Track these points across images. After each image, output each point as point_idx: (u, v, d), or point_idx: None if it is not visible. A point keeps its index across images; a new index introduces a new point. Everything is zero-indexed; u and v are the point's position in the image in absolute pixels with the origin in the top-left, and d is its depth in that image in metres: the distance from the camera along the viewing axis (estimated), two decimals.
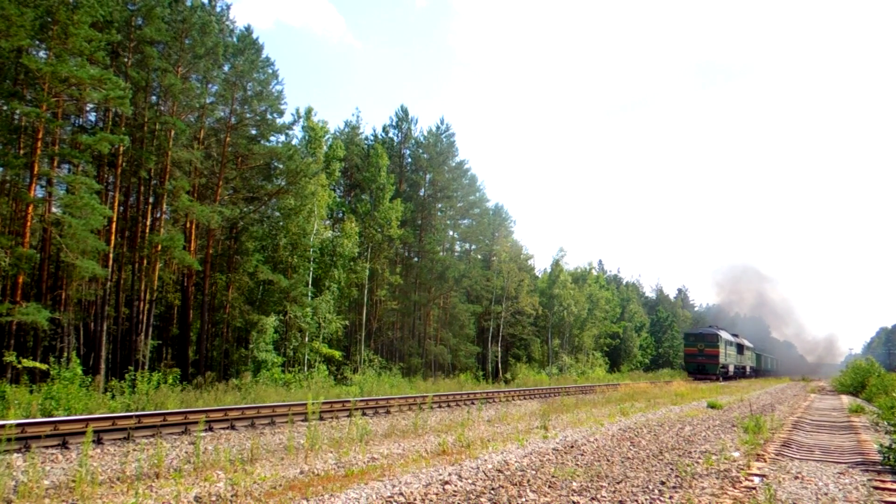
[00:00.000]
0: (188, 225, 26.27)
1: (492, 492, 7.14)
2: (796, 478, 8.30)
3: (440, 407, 20.73)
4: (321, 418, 15.54)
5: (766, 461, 9.55)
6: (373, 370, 31.51)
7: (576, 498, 6.89)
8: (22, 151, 20.16)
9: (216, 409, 14.77)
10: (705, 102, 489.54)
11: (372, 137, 43.68)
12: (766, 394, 31.05)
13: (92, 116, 24.94)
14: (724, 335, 56.16)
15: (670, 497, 6.97)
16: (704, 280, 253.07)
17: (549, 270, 56.89)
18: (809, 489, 7.59)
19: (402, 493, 7.05)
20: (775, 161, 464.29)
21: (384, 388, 26.89)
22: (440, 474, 8.18)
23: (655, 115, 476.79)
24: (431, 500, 6.77)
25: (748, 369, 66.64)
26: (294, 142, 31.18)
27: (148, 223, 24.54)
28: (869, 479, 8.23)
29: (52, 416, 13.36)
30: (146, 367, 22.14)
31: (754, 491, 7.25)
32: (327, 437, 12.56)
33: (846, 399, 28.33)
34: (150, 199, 25.04)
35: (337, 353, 29.66)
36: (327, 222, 33.79)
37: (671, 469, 8.68)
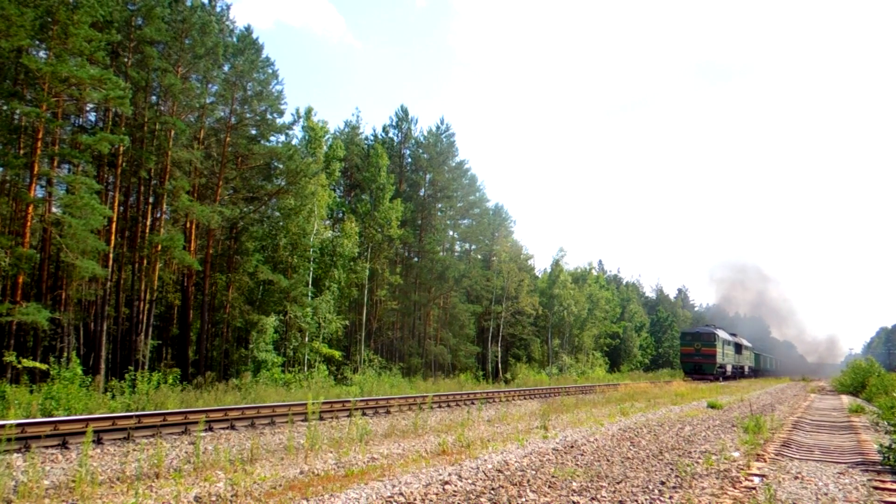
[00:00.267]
0: (188, 225, 26.28)
1: (492, 492, 7.14)
2: (796, 478, 8.30)
3: (440, 407, 20.73)
4: (321, 418, 15.53)
5: (766, 461, 9.55)
6: (373, 370, 31.51)
7: (576, 498, 6.90)
8: (22, 151, 20.17)
9: (216, 409, 14.77)
10: (705, 102, 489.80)
11: (372, 137, 43.71)
12: (766, 394, 31.06)
13: (92, 116, 24.96)
14: (722, 334, 55.26)
15: (670, 497, 6.97)
16: (703, 277, 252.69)
17: (549, 270, 56.93)
18: (809, 489, 7.59)
19: (402, 493, 7.05)
20: (775, 161, 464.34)
21: (384, 388, 26.89)
22: (440, 474, 8.18)
23: (655, 115, 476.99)
24: (431, 500, 6.77)
25: (746, 369, 65.77)
26: (294, 142, 31.23)
27: (148, 223, 24.54)
28: (869, 479, 8.23)
29: (52, 416, 13.37)
30: (146, 367, 22.15)
31: (754, 491, 7.25)
32: (327, 437, 12.56)
33: (846, 399, 28.33)
34: (150, 199, 25.05)
35: (337, 353, 29.66)
36: (327, 222, 33.81)
37: (671, 469, 8.68)
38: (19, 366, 16.90)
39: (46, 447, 10.55)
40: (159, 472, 8.94)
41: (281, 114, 28.61)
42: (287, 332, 27.85)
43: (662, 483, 7.73)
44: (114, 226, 22.22)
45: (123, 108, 19.70)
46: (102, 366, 20.98)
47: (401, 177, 41.79)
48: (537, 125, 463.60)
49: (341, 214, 37.46)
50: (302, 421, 15.05)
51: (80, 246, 18.63)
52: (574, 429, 13.92)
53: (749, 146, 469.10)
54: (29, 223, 19.48)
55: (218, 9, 28.32)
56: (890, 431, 10.89)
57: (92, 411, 14.48)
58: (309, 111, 32.62)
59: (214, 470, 8.91)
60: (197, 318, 27.15)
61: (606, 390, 32.50)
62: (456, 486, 7.48)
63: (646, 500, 6.88)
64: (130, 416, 12.61)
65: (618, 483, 7.73)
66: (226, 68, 26.49)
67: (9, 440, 9.31)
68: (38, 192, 20.36)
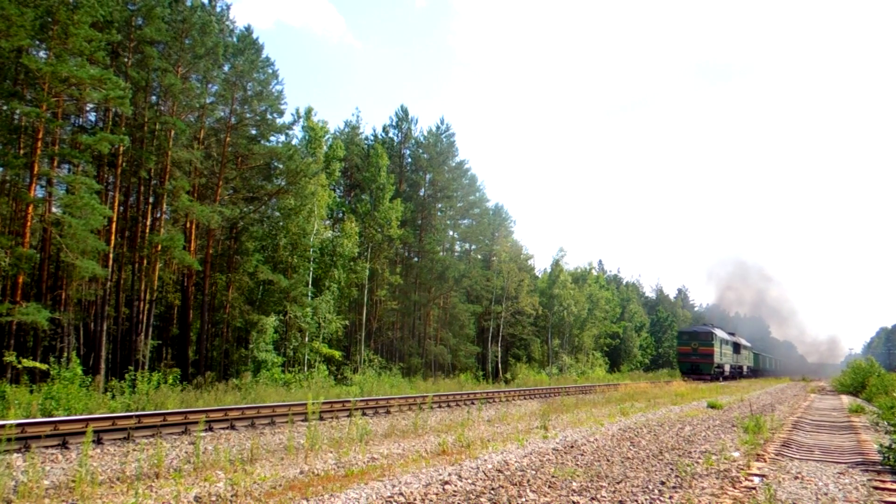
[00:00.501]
0: (188, 225, 26.28)
1: (492, 492, 7.14)
2: (796, 478, 8.30)
3: (440, 407, 20.73)
4: (321, 418, 15.53)
5: (766, 461, 9.55)
6: (373, 370, 31.51)
7: (576, 498, 6.90)
8: (22, 151, 20.16)
9: (216, 409, 14.77)
10: (705, 102, 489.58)
11: (372, 137, 43.69)
12: (766, 394, 31.06)
13: (92, 116, 24.95)
14: (720, 333, 54.27)
15: (670, 497, 6.97)
16: (701, 274, 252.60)
17: (549, 270, 56.93)
18: (809, 489, 7.59)
19: (402, 493, 7.05)
20: (775, 161, 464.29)
21: (384, 388, 26.89)
22: (440, 474, 8.18)
23: (655, 115, 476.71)
24: (431, 500, 6.77)
25: (745, 369, 65.03)
26: (294, 142, 31.23)
27: (148, 223, 24.54)
28: (869, 479, 8.23)
29: (52, 416, 13.36)
30: (146, 367, 22.15)
31: (754, 491, 7.25)
32: (327, 437, 12.56)
33: (846, 399, 28.34)
34: (150, 199, 25.04)
35: (337, 353, 29.66)
36: (327, 222, 33.80)
37: (671, 469, 8.68)
38: (19, 366, 16.89)
39: (46, 447, 10.55)
40: (159, 472, 8.94)
41: (281, 114, 28.64)
42: (287, 332, 27.85)
43: (662, 483, 7.73)
44: (114, 226, 22.22)
45: (123, 108, 19.70)
46: (102, 366, 20.98)
47: (401, 177, 41.79)
48: (537, 125, 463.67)
49: (341, 214, 37.46)
50: (302, 421, 15.05)
51: (80, 246, 18.63)
52: (574, 429, 13.92)
53: (749, 146, 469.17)
54: (29, 223, 19.47)
55: (218, 9, 28.34)
56: (890, 431, 10.89)
57: (92, 411, 14.48)
58: (309, 111, 32.64)
59: (214, 470, 8.91)
60: (197, 318, 27.16)
61: (606, 390, 32.50)
62: (456, 486, 7.47)
63: (646, 500, 6.88)
64: (130, 416, 12.61)
65: (618, 483, 7.73)
66: (226, 68, 26.50)
67: (9, 440, 9.31)
68: (38, 192, 20.36)
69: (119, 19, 21.62)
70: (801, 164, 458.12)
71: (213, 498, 7.09)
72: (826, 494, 7.31)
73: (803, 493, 7.33)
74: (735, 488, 7.44)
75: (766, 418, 15.07)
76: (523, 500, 6.82)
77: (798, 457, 10.22)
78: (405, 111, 43.37)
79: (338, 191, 40.30)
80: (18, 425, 10.59)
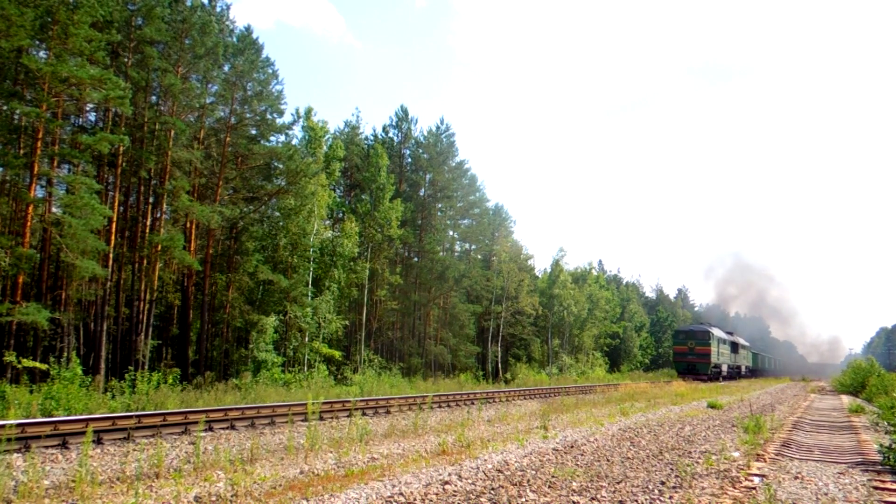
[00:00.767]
0: (188, 225, 26.28)
1: (492, 492, 7.14)
2: (796, 478, 8.30)
3: (440, 407, 20.73)
4: (321, 418, 15.53)
5: (766, 461, 9.55)
6: (373, 370, 31.51)
7: (576, 498, 6.90)
8: (22, 151, 20.16)
9: (216, 409, 14.76)
10: (705, 102, 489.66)
11: (372, 137, 43.70)
12: (766, 394, 31.06)
13: (92, 116, 24.96)
14: (717, 332, 53.06)
15: (670, 497, 6.97)
16: (699, 271, 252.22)
17: (549, 270, 56.93)
18: (809, 489, 7.59)
19: (402, 493, 7.05)
20: (775, 161, 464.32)
21: (384, 388, 26.89)
22: (440, 474, 8.18)
23: (655, 115, 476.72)
24: (431, 500, 6.77)
25: (744, 369, 64.07)
26: (294, 142, 31.24)
27: (148, 223, 24.54)
28: (869, 479, 8.23)
29: (52, 416, 13.36)
30: (146, 367, 22.15)
31: (754, 491, 7.25)
32: (327, 437, 12.56)
33: (846, 399, 28.34)
34: (150, 199, 25.05)
35: (337, 353, 29.66)
36: (327, 222, 33.81)
37: (671, 469, 8.68)
38: (19, 366, 16.90)
39: (46, 447, 10.55)
40: (159, 472, 8.94)
41: (281, 114, 28.65)
42: (287, 332, 27.85)
43: (662, 483, 7.73)
44: (114, 226, 22.22)
45: (123, 108, 19.70)
46: (102, 366, 20.98)
47: (401, 177, 41.80)
48: (537, 125, 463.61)
49: (341, 214, 37.47)
50: (302, 421, 15.05)
51: (80, 246, 18.63)
52: (574, 429, 13.92)
53: (749, 146, 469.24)
54: (29, 223, 19.48)
55: (218, 9, 28.34)
56: (890, 431, 10.89)
57: (92, 411, 14.48)
58: (309, 111, 32.66)
59: (214, 470, 8.91)
60: (197, 318, 27.16)
61: (606, 390, 32.50)
62: (456, 486, 7.47)
63: (646, 500, 6.88)
64: (130, 416, 12.61)
65: (618, 483, 7.73)
66: (226, 68, 26.50)
67: (9, 440, 9.31)
68: (38, 192, 20.36)
69: (119, 19, 21.62)
70: (801, 164, 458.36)
71: (213, 498, 7.09)
72: (826, 494, 7.31)
73: (803, 493, 7.33)
74: (735, 488, 7.44)
75: (766, 418, 15.07)
76: (523, 500, 6.82)
77: (798, 457, 10.22)
78: (405, 111, 43.42)
79: (338, 191, 40.31)
80: (18, 425, 10.59)
